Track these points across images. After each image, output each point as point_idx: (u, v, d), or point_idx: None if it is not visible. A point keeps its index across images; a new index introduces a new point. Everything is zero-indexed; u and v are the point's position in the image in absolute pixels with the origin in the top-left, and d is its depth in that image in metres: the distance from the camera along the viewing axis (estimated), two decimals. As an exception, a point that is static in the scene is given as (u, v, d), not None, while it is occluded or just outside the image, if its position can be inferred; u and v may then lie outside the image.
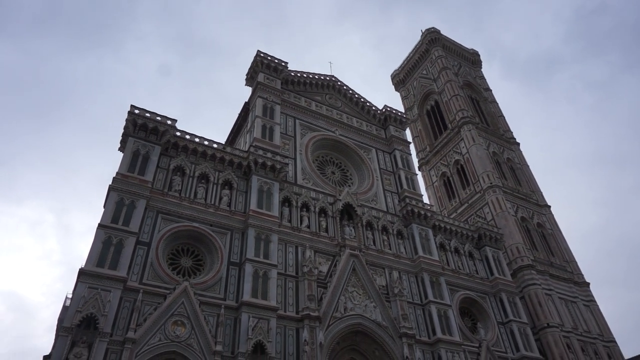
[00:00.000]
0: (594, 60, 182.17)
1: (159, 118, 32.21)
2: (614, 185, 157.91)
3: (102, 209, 27.05)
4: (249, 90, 44.34)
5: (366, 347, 31.87)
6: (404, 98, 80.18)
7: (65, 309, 23.49)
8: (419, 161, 69.21)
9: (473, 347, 35.53)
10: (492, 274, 42.58)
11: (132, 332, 23.11)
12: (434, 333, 33.83)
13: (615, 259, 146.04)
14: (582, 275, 52.49)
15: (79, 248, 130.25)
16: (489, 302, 40.79)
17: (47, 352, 24.27)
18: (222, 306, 26.59)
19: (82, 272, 23.55)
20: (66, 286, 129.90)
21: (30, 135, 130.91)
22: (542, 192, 60.25)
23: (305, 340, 27.66)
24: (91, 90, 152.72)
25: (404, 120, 51.07)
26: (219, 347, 24.73)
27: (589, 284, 51.85)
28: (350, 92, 50.03)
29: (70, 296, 23.55)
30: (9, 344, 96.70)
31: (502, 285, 41.53)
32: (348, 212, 37.87)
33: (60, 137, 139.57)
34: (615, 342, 47.39)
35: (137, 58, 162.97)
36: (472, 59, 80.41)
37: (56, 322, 24.41)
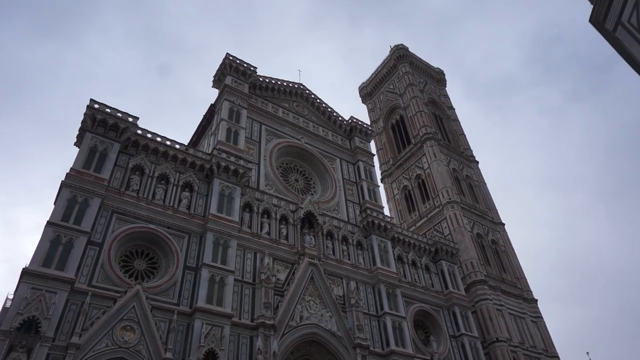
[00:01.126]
0: (548, 87, 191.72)
1: (119, 114, 31.11)
2: (563, 207, 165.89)
3: (53, 206, 25.81)
4: (215, 92, 43.78)
5: (320, 358, 31.72)
6: (370, 110, 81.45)
7: (4, 310, 22.22)
8: (381, 173, 70.24)
9: (425, 359, 36.07)
10: (446, 287, 43.51)
11: (77, 337, 22.01)
12: (388, 344, 34.11)
13: (560, 277, 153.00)
14: (531, 292, 54.50)
15: (24, 246, 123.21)
16: (443, 315, 41.61)
17: (-20, 356, 22.79)
18: (175, 312, 25.82)
19: (25, 272, 22.29)
20: (5, 286, 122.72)
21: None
22: (497, 210, 62.36)
23: (258, 349, 27.24)
24: (48, 81, 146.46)
25: (369, 132, 51.77)
26: (168, 355, 23.95)
27: (537, 300, 53.90)
28: (318, 101, 50.30)
29: (11, 297, 22.28)
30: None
31: (455, 299, 42.49)
32: (309, 221, 37.83)
33: (11, 128, 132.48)
34: (558, 357, 49.31)
35: (100, 51, 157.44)
36: (437, 78, 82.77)
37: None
